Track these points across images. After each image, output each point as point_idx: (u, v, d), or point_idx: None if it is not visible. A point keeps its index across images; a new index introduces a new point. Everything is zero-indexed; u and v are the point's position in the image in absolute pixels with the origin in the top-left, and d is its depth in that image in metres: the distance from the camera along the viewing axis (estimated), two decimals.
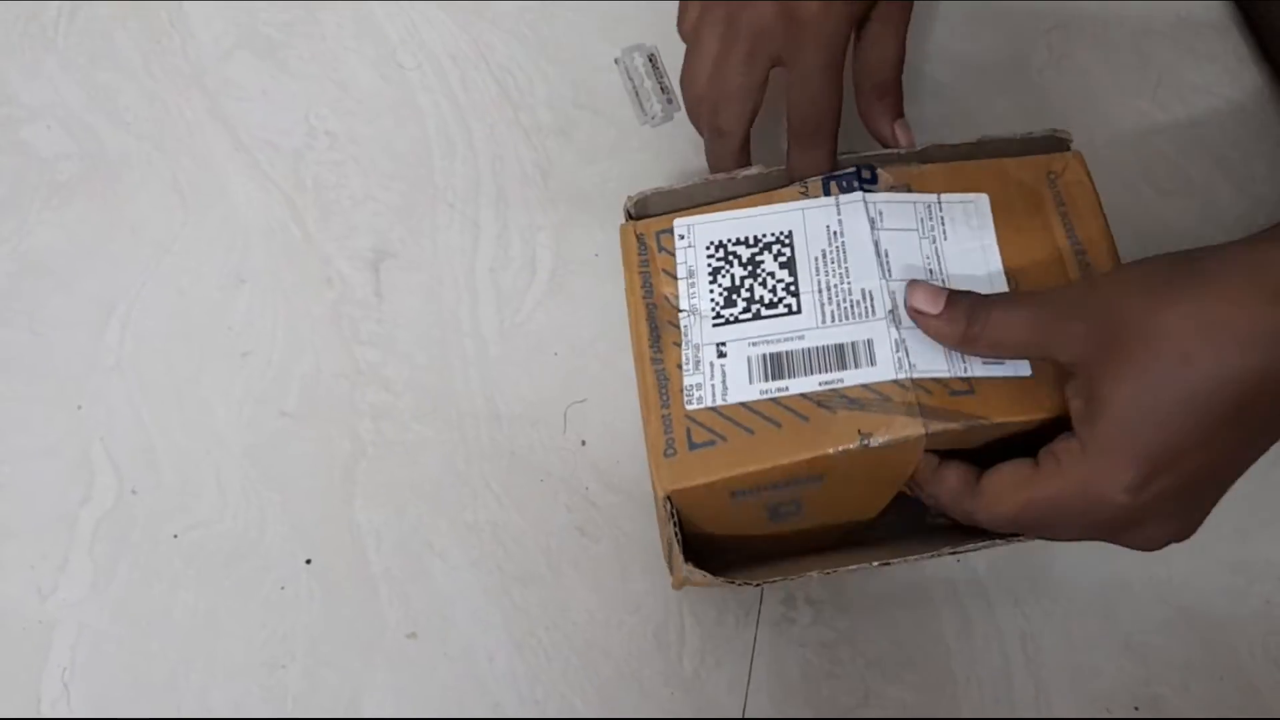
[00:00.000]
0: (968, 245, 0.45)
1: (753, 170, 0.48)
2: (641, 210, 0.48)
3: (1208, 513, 0.41)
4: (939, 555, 0.44)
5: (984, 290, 0.43)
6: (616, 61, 0.60)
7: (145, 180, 0.58)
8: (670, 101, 0.59)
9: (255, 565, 0.51)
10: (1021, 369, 0.42)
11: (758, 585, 0.45)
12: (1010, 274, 0.44)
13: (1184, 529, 0.41)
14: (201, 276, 0.56)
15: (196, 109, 0.59)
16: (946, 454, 0.43)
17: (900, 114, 0.49)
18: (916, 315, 0.43)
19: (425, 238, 0.57)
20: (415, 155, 0.58)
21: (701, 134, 0.50)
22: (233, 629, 0.50)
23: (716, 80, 0.48)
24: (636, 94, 0.60)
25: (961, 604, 0.51)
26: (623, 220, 0.48)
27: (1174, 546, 0.42)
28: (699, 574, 0.43)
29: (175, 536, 0.51)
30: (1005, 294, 0.44)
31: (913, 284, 0.43)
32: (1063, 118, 0.57)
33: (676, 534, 0.43)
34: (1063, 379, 0.41)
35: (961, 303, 0.42)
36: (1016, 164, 0.47)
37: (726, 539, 0.46)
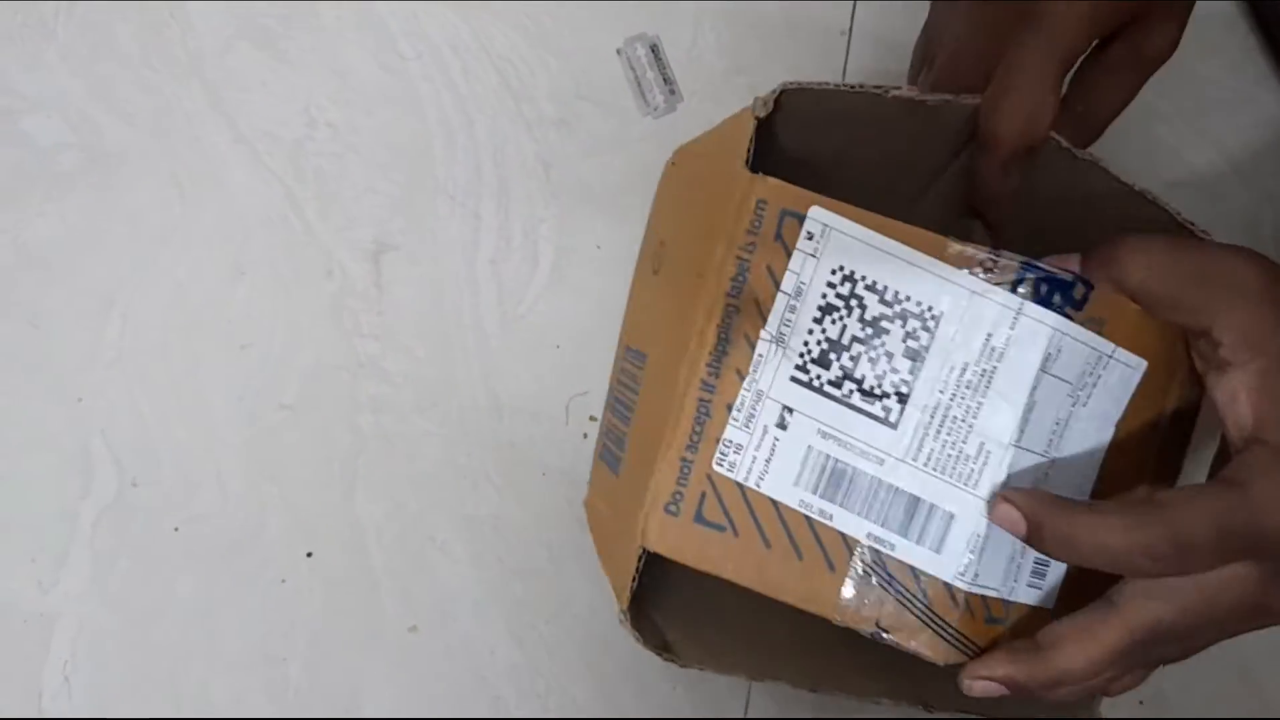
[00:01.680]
0: (1092, 424, 0.37)
1: (901, 90, 0.36)
2: (778, 105, 0.36)
3: None
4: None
5: (1073, 488, 0.37)
6: (619, 52, 0.60)
7: (144, 172, 0.57)
8: (673, 93, 0.59)
9: (256, 558, 0.51)
10: (1051, 595, 0.37)
11: (700, 669, 0.40)
12: (1104, 467, 0.37)
13: None
14: (200, 268, 0.55)
15: (196, 100, 0.59)
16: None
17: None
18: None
19: (426, 230, 0.56)
20: (416, 147, 0.58)
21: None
22: (233, 622, 0.50)
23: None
24: (639, 85, 0.59)
25: None
26: (750, 120, 0.36)
27: None
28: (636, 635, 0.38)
29: (176, 529, 0.51)
30: (1142, 238, 0.36)
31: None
32: None
33: (633, 584, 0.37)
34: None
35: (1097, 256, 0.36)
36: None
37: (694, 589, 0.40)
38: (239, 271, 0.55)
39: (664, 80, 0.59)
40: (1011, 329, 0.35)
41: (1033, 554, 0.36)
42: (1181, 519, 0.32)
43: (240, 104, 0.59)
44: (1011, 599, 0.36)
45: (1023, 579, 0.37)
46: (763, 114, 0.35)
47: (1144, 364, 0.37)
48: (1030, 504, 0.35)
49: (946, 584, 0.36)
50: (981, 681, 0.36)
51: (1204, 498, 0.33)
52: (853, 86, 0.36)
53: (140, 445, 0.52)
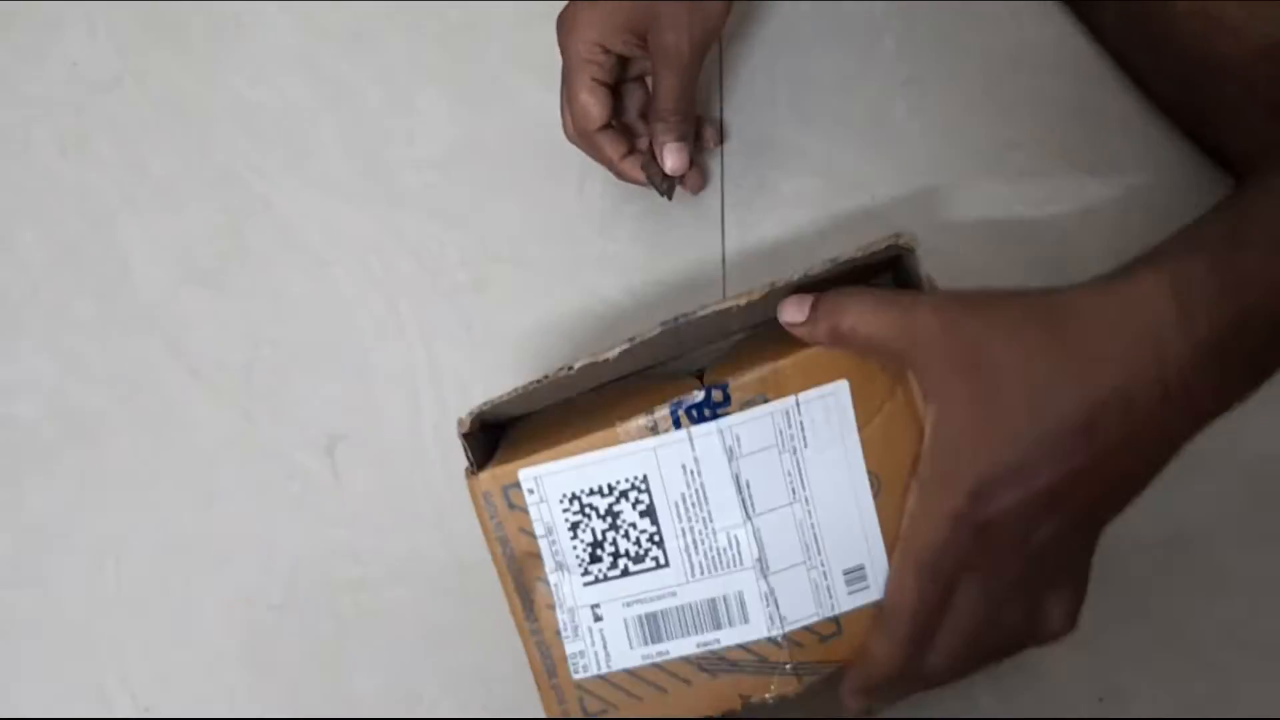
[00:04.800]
0: (829, 452, 0.44)
1: (582, 361, 0.45)
2: (478, 426, 0.46)
3: (1088, 554, 0.43)
4: None
5: (849, 501, 0.44)
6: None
7: (117, 428, 0.63)
8: None
9: None
10: (879, 568, 0.44)
11: None
12: (873, 474, 0.44)
13: (1071, 582, 0.43)
14: (177, 501, 0.60)
15: (154, 349, 0.64)
16: None
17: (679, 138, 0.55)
18: (789, 327, 0.44)
19: (370, 414, 0.61)
20: (350, 342, 0.63)
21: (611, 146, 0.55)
22: None
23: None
24: None
25: None
26: (459, 434, 0.46)
27: None
28: None
29: None
30: (859, 289, 0.43)
31: (782, 303, 0.44)
32: (928, 157, 0.59)
33: None
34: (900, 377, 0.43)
35: (823, 303, 0.43)
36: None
37: None
38: (211, 496, 0.60)
39: None
40: (694, 452, 0.44)
41: (839, 570, 0.44)
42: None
43: (193, 343, 0.64)
44: (838, 612, 0.44)
45: (840, 593, 0.44)
46: (464, 431, 0.46)
47: (843, 381, 0.43)
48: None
49: (768, 638, 0.44)
50: (848, 700, 0.44)
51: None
52: (535, 381, 0.45)
53: (150, 674, 0.57)
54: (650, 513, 0.44)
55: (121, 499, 0.61)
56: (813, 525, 0.44)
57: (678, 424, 0.43)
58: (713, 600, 0.44)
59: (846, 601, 0.44)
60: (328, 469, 0.60)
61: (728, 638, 0.44)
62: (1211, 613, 0.53)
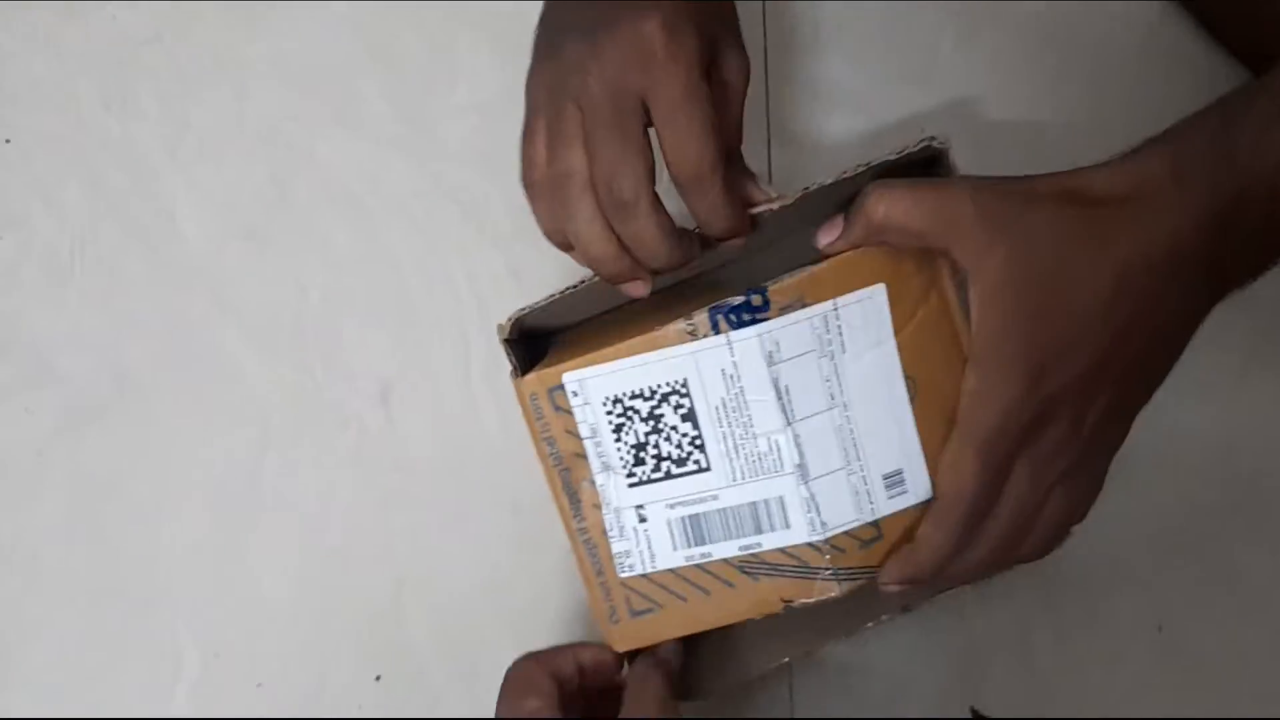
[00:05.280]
0: (867, 356, 0.44)
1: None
2: (518, 333, 0.47)
3: (1114, 448, 0.44)
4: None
5: (886, 406, 0.44)
6: None
7: (170, 381, 0.63)
8: None
9: (330, 695, 0.55)
10: (922, 488, 0.44)
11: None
12: (909, 378, 0.44)
13: (1093, 446, 0.43)
14: (233, 455, 0.61)
15: (202, 303, 0.65)
16: None
17: (750, 174, 0.47)
18: (827, 249, 0.44)
19: (421, 363, 0.61)
20: (397, 289, 0.63)
21: (580, 243, 0.44)
22: None
23: (595, 151, 0.42)
24: None
25: None
26: (500, 339, 0.47)
27: None
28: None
29: (259, 685, 0.56)
30: (888, 181, 0.43)
31: (815, 232, 0.44)
32: (978, 93, 0.59)
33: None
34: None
35: (854, 205, 0.43)
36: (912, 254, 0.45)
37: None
38: (265, 447, 0.61)
39: None
40: (733, 357, 0.43)
41: (878, 475, 0.44)
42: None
43: (240, 299, 0.64)
44: (878, 517, 0.44)
45: (880, 498, 0.44)
46: (505, 336, 0.47)
47: (881, 286, 0.44)
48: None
49: (809, 544, 0.44)
50: (887, 586, 0.44)
51: None
52: (571, 287, 0.46)
53: (215, 623, 0.58)
54: (691, 417, 0.44)
55: (175, 453, 0.61)
56: (851, 431, 0.44)
57: (716, 328, 0.43)
58: (754, 504, 0.44)
59: (886, 506, 0.44)
60: (382, 417, 0.60)
61: (769, 541, 0.45)
62: (1262, 558, 0.53)
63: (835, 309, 0.43)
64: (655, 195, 0.43)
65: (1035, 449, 0.42)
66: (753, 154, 0.60)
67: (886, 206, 0.42)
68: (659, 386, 0.45)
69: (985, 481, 0.42)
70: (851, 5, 0.62)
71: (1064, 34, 0.61)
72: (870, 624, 0.49)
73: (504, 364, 0.59)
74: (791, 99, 0.63)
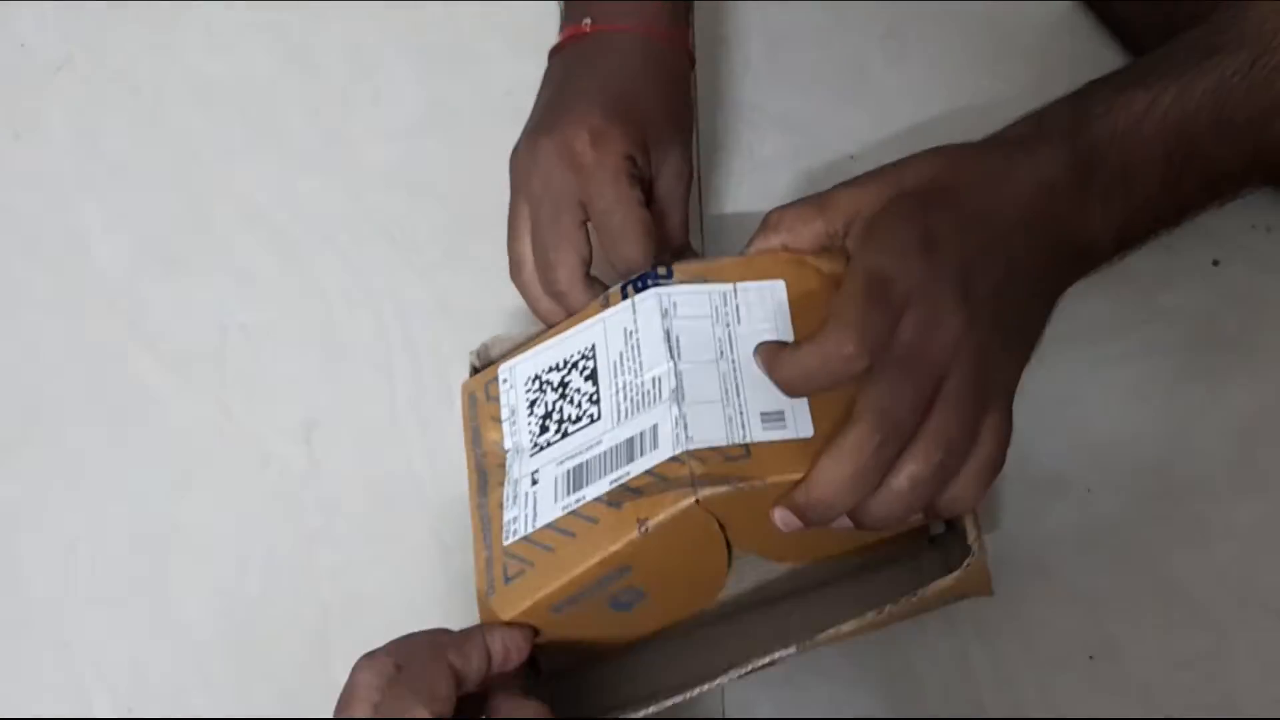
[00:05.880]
0: (761, 327, 0.45)
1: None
2: (485, 359, 0.50)
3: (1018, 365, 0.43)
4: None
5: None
6: None
7: (83, 415, 0.61)
8: None
9: None
10: (804, 428, 0.42)
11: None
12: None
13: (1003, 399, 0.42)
14: (148, 492, 0.59)
15: (118, 337, 0.62)
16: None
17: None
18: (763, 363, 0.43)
19: (346, 397, 0.59)
20: (322, 322, 0.61)
21: (538, 310, 0.51)
22: None
23: (536, 244, 0.50)
24: None
25: None
26: (467, 376, 0.50)
27: None
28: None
29: None
30: (781, 210, 0.46)
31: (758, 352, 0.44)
32: (911, 111, 0.58)
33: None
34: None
35: (759, 238, 0.46)
36: (815, 256, 0.46)
37: (589, 643, 0.47)
38: (184, 486, 0.58)
39: None
40: (635, 314, 0.46)
41: (757, 412, 0.43)
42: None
43: (156, 327, 0.62)
44: (747, 441, 0.42)
45: (754, 427, 0.43)
46: (478, 365, 0.50)
47: (780, 282, 0.46)
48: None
49: (672, 457, 0.42)
50: (782, 517, 0.41)
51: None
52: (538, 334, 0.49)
53: (129, 671, 0.55)
54: (593, 375, 0.46)
55: (90, 490, 0.59)
56: (737, 379, 0.44)
57: (625, 295, 0.47)
58: (630, 439, 0.43)
59: (761, 435, 0.42)
60: (304, 455, 0.58)
61: (637, 467, 0.43)
62: (1204, 564, 0.52)
63: (734, 290, 0.46)
64: (589, 280, 0.49)
65: (923, 308, 0.40)
66: None
67: (783, 238, 0.45)
68: (571, 356, 0.47)
69: (868, 308, 0.40)
70: (781, 28, 0.61)
71: (996, 50, 0.60)
72: (783, 652, 0.45)
73: (430, 398, 0.58)
74: (723, 122, 0.62)
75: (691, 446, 0.42)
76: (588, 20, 0.52)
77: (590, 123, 0.48)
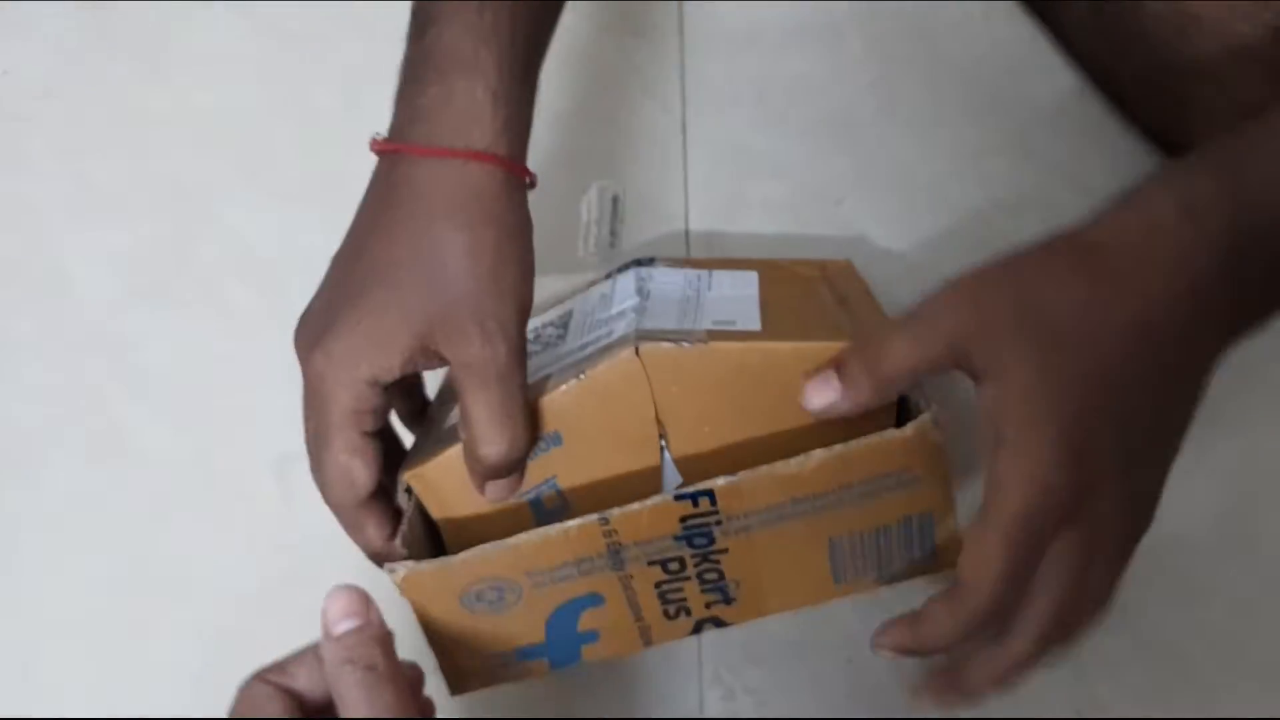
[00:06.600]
0: (728, 293, 0.47)
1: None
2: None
3: (1157, 488, 0.41)
4: None
5: (738, 314, 0.45)
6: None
7: (62, 448, 0.60)
8: (612, 245, 0.61)
9: None
10: (751, 320, 0.44)
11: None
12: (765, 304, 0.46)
13: (1139, 507, 0.41)
14: (125, 528, 0.58)
15: (100, 370, 0.62)
16: None
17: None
18: (827, 412, 0.40)
19: None
20: None
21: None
22: None
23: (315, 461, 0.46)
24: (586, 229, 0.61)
25: None
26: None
27: None
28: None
29: None
30: (881, 323, 0.44)
31: (804, 391, 0.41)
32: (896, 162, 0.58)
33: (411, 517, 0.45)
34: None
35: (850, 365, 0.40)
36: (790, 261, 0.51)
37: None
38: (159, 521, 0.58)
39: (611, 232, 0.61)
40: (614, 284, 0.49)
41: (710, 318, 0.44)
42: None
43: (139, 364, 0.62)
44: (697, 328, 0.43)
45: (703, 318, 0.44)
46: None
47: (753, 272, 0.49)
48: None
49: (621, 337, 0.43)
50: (881, 649, 0.41)
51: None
52: None
53: (102, 708, 0.54)
54: (564, 324, 0.49)
55: (66, 523, 0.58)
56: (696, 308, 0.46)
57: (609, 276, 0.51)
58: (592, 343, 0.45)
59: (711, 326, 0.44)
60: (278, 491, 0.57)
61: (594, 356, 0.44)
62: (1191, 623, 0.52)
63: (709, 272, 0.49)
64: (373, 501, 0.45)
65: (1078, 528, 0.38)
66: (671, 215, 0.59)
67: (891, 363, 0.39)
68: (548, 318, 0.50)
69: (1009, 573, 0.38)
70: (772, 74, 0.61)
71: (982, 100, 0.60)
72: None
73: (408, 434, 0.57)
74: (713, 166, 0.62)
75: (641, 327, 0.43)
76: (414, 138, 0.44)
77: (322, 354, 0.43)
